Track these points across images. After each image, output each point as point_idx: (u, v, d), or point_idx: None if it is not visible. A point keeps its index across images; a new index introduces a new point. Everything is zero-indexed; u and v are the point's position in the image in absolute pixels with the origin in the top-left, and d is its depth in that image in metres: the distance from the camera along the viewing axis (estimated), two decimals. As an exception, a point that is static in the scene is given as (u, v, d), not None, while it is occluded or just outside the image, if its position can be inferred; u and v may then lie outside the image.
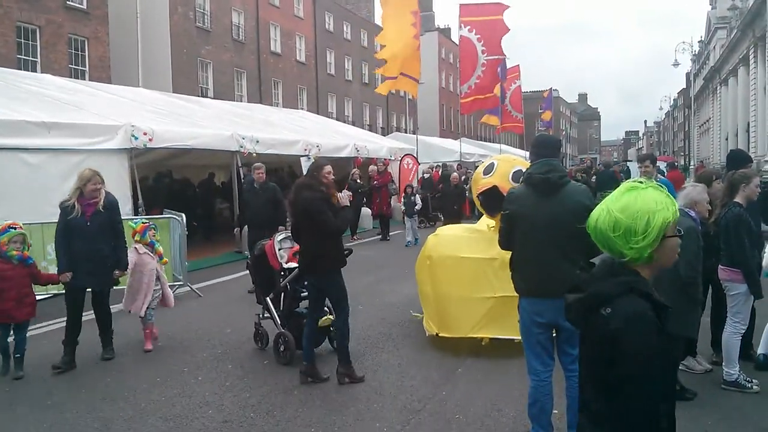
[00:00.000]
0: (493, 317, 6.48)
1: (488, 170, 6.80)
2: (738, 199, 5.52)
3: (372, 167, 18.72)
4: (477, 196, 6.91)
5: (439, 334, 6.75)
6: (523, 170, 5.83)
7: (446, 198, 16.54)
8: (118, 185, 11.24)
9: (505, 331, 6.34)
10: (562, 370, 4.37)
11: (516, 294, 4.45)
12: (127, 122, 11.51)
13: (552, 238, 4.10)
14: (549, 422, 4.28)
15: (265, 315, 6.82)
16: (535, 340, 4.27)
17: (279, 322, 6.57)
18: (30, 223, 9.08)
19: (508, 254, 5.27)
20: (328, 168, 5.94)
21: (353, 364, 5.98)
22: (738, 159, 6.96)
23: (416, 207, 16.26)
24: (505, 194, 5.53)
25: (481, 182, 6.81)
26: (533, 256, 4.19)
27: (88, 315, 6.91)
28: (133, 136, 11.35)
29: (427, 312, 7.24)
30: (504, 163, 6.92)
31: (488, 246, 6.39)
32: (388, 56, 21.47)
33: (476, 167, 8.07)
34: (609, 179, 14.58)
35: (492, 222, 7.01)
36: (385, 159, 20.69)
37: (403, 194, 16.91)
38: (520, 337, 5.19)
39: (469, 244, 6.91)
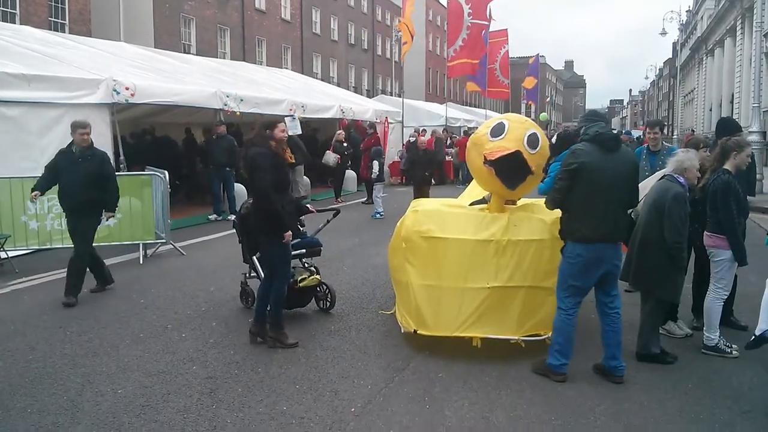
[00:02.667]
0: (487, 312, 5.43)
1: (498, 132, 5.74)
2: (728, 166, 5.53)
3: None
4: (485, 163, 5.66)
5: (418, 332, 5.62)
6: (537, 133, 5.73)
7: (414, 165, 14.51)
8: (99, 141, 10.96)
9: (501, 328, 5.45)
10: (601, 310, 5.09)
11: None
12: (109, 76, 11.26)
13: (616, 190, 4.81)
14: (571, 351, 4.99)
15: (252, 274, 6.76)
16: (579, 284, 4.91)
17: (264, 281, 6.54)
18: (8, 177, 8.96)
19: (507, 236, 5.45)
20: (282, 126, 5.82)
21: (335, 324, 5.99)
22: (728, 127, 6.94)
23: (373, 173, 15.03)
24: (529, 162, 5.49)
25: (489, 145, 5.69)
26: (602, 206, 4.77)
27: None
28: (114, 90, 11.12)
29: (402, 305, 6.02)
30: (516, 124, 5.82)
31: (481, 225, 5.64)
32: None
33: (466, 131, 7.26)
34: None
35: (476, 193, 6.55)
36: (368, 122, 20.50)
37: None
38: (517, 337, 5.38)
39: (458, 223, 5.75)
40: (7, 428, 4.27)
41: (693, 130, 42.93)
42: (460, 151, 20.28)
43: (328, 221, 7.19)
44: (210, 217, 13.65)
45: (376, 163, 14.89)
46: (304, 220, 6.77)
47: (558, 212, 5.63)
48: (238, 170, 13.97)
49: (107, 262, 9.10)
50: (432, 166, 15.08)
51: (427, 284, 5.66)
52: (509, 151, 5.50)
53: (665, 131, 64.37)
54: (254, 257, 6.54)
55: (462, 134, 26.53)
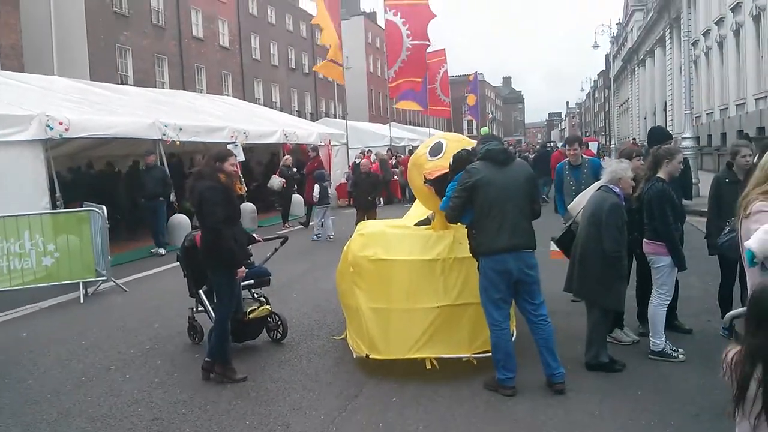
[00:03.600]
0: (438, 332, 5.40)
1: (436, 151, 5.90)
2: (661, 174, 5.66)
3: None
4: (426, 183, 5.87)
5: (370, 356, 5.53)
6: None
7: (358, 188, 14.36)
8: (34, 178, 10.75)
9: (452, 347, 5.44)
10: (528, 319, 5.12)
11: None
12: (42, 112, 10.92)
13: (511, 200, 4.94)
14: (514, 364, 5.02)
15: (199, 308, 6.56)
16: (499, 296, 4.98)
17: (213, 315, 6.36)
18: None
19: (453, 254, 5.48)
20: (233, 159, 5.73)
21: (285, 354, 5.86)
22: (658, 135, 7.14)
23: (314, 197, 14.79)
24: None
25: (428, 165, 5.83)
26: (498, 217, 4.90)
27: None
28: (48, 126, 10.78)
29: (353, 329, 5.95)
30: (454, 143, 5.98)
31: (427, 245, 5.67)
32: (331, 41, 21.81)
33: (411, 150, 7.17)
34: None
35: (420, 212, 6.50)
36: (311, 146, 20.41)
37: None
38: (469, 354, 5.39)
39: (404, 244, 5.76)
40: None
41: (634, 139, 44.08)
42: (405, 170, 20.40)
43: (276, 249, 7.08)
44: (152, 250, 13.12)
45: (317, 187, 14.71)
46: (251, 249, 6.66)
47: None
48: (178, 201, 13.81)
49: (47, 303, 8.86)
50: (376, 190, 14.79)
51: (376, 307, 5.60)
52: (444, 171, 5.57)
53: (606, 140, 66.03)
54: (200, 291, 6.38)
55: (407, 153, 26.70)
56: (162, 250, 12.95)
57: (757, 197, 3.14)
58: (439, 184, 5.65)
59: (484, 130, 37.18)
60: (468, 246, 5.50)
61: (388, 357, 5.47)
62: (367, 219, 12.87)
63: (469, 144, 5.99)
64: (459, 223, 5.35)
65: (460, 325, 5.44)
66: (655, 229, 5.58)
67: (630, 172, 5.57)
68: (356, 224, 13.15)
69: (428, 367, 5.39)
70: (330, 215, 14.97)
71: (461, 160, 5.51)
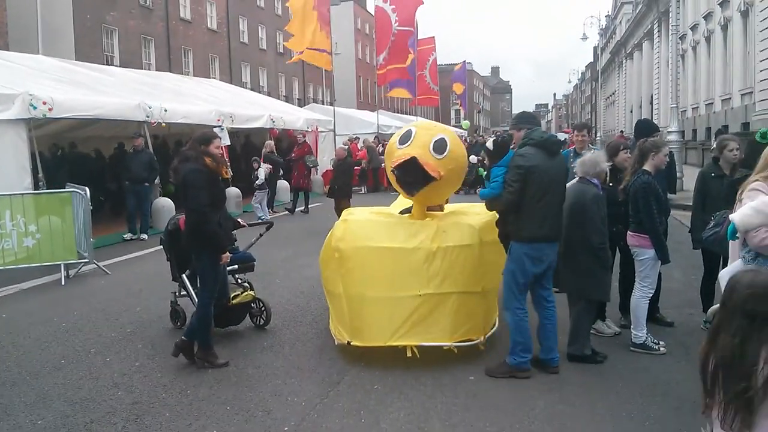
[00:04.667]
0: (419, 320, 5.38)
1: (405, 139, 5.82)
2: (647, 167, 5.67)
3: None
4: (392, 170, 5.87)
5: (352, 343, 5.54)
6: (446, 138, 5.74)
7: (335, 175, 13.89)
8: (16, 158, 10.62)
9: (434, 336, 5.38)
10: (539, 303, 5.32)
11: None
12: (25, 91, 10.78)
13: (556, 192, 5.11)
14: (531, 347, 5.20)
15: (182, 293, 6.51)
16: (525, 281, 5.15)
17: (196, 300, 6.31)
18: None
19: (436, 243, 5.49)
20: (217, 142, 5.66)
21: (268, 340, 5.84)
22: (645, 128, 7.15)
23: (256, 182, 14.75)
24: (425, 168, 5.52)
25: (396, 154, 5.76)
26: (545, 207, 5.03)
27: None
28: (31, 105, 10.65)
29: (335, 316, 5.94)
30: (423, 130, 5.91)
31: (410, 233, 5.61)
32: (295, 30, 21.57)
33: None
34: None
35: (408, 203, 6.46)
36: (299, 132, 20.32)
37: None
38: (450, 343, 5.39)
39: (388, 231, 5.73)
40: None
41: (622, 131, 44.18)
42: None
43: (260, 235, 7.03)
44: (125, 236, 12.79)
45: (261, 169, 14.64)
46: (235, 235, 6.61)
47: (486, 217, 5.69)
48: (162, 184, 13.65)
49: (28, 284, 8.77)
50: (348, 177, 14.11)
51: (358, 295, 5.58)
52: (406, 158, 5.58)
53: (591, 133, 66.34)
54: (183, 275, 6.33)
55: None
56: (144, 236, 12.77)
57: (756, 179, 3.24)
58: (398, 171, 5.70)
59: (465, 123, 37.29)
60: (453, 235, 5.56)
61: (370, 344, 5.46)
62: (342, 208, 12.84)
63: (443, 131, 5.99)
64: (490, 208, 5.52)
65: (442, 314, 5.43)
66: (639, 221, 5.60)
67: (602, 161, 5.59)
68: (336, 212, 13.17)
69: (409, 354, 5.37)
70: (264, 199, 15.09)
71: (503, 144, 5.60)
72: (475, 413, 4.55)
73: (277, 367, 5.57)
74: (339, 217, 12.54)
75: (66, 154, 16.32)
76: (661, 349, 5.66)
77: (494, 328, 5.95)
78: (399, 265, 5.48)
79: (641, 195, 5.56)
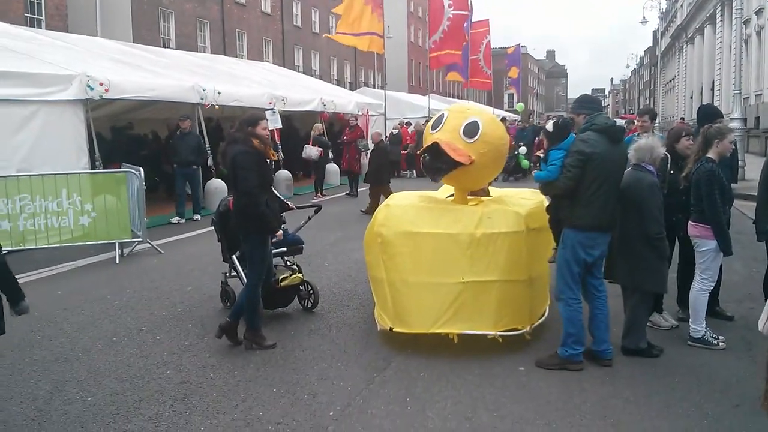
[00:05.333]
0: (462, 308, 5.26)
1: (437, 124, 5.80)
2: (711, 154, 5.42)
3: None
4: (421, 157, 5.86)
5: (394, 330, 5.45)
6: (479, 120, 5.60)
7: (370, 160, 13.94)
8: (74, 138, 10.85)
9: (477, 324, 5.25)
10: (590, 293, 5.15)
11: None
12: (83, 72, 10.99)
13: (616, 181, 4.99)
14: (584, 338, 5.03)
15: (232, 273, 6.54)
16: (578, 271, 4.99)
17: (245, 281, 6.32)
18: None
19: (481, 229, 5.35)
20: (264, 123, 5.62)
21: (315, 323, 5.83)
22: (709, 114, 6.85)
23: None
24: (449, 152, 5.43)
25: (429, 139, 5.76)
26: (604, 196, 4.88)
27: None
28: (88, 86, 10.84)
29: (378, 301, 5.84)
30: (455, 114, 5.84)
31: (454, 219, 5.50)
32: (342, 11, 21.58)
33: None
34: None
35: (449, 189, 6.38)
36: (352, 115, 20.27)
37: None
38: (494, 332, 5.26)
39: (431, 217, 5.61)
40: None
41: (682, 117, 42.88)
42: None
43: (309, 218, 6.99)
44: (172, 219, 12.73)
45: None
46: (284, 217, 6.60)
47: (533, 204, 5.53)
48: (216, 167, 13.72)
49: (83, 261, 8.97)
50: (382, 162, 14.06)
51: (401, 280, 5.50)
52: (429, 144, 5.56)
53: (654, 119, 64.73)
54: (233, 256, 6.35)
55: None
56: (197, 216, 12.84)
57: None
58: (430, 157, 5.62)
59: (520, 106, 36.66)
60: (498, 221, 5.41)
61: (412, 331, 5.37)
62: (376, 194, 12.99)
63: (477, 114, 5.83)
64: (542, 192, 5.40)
65: (486, 302, 5.29)
66: (701, 211, 5.35)
67: (660, 149, 5.35)
68: (370, 198, 13.12)
69: (451, 338, 5.28)
70: None
71: (564, 127, 5.42)
72: (524, 405, 4.43)
73: (323, 350, 5.55)
74: (372, 203, 12.73)
75: (123, 135, 16.62)
76: (721, 344, 5.43)
77: (543, 318, 5.77)
78: (441, 251, 5.38)
79: (704, 183, 5.31)
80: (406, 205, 5.93)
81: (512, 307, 5.38)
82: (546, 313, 5.87)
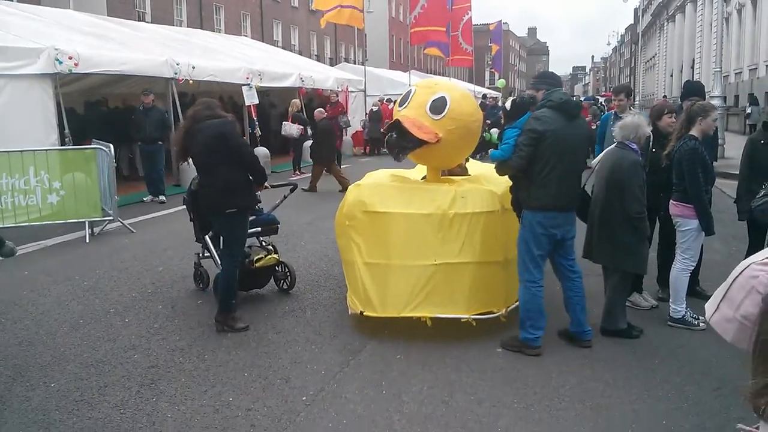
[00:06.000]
0: (434, 291, 5.10)
1: (404, 100, 5.61)
2: (694, 132, 5.30)
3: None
4: (386, 136, 5.59)
5: (364, 313, 5.26)
6: (446, 96, 5.37)
7: (315, 139, 13.82)
8: (42, 113, 10.53)
9: (450, 307, 5.11)
10: (563, 275, 5.02)
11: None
12: (51, 45, 10.65)
13: (574, 158, 4.82)
14: (544, 324, 4.90)
15: (205, 254, 6.35)
16: (541, 253, 4.83)
17: (219, 262, 6.14)
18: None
19: (453, 209, 5.16)
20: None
21: (290, 304, 5.69)
22: (694, 90, 6.75)
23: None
24: (412, 130, 5.21)
25: (397, 116, 5.51)
26: (562, 174, 4.71)
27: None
28: (56, 60, 10.52)
29: (350, 285, 5.60)
30: (422, 90, 5.59)
31: (425, 199, 5.28)
32: None
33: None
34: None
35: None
36: (334, 91, 19.98)
37: None
38: (468, 316, 5.10)
39: (402, 197, 5.38)
40: (-77, 430, 3.91)
41: (665, 96, 42.92)
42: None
43: (285, 197, 6.79)
44: (144, 198, 12.24)
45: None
46: (260, 196, 6.41)
47: (508, 183, 5.40)
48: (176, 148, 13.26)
49: (51, 241, 8.72)
50: (328, 140, 13.95)
51: (371, 262, 5.30)
52: (392, 121, 5.36)
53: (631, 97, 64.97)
54: (206, 236, 6.15)
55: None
56: (162, 197, 12.17)
57: None
58: (393, 135, 5.37)
59: (501, 82, 36.53)
60: (472, 201, 5.23)
61: (383, 315, 5.18)
62: (320, 173, 13.18)
63: (445, 89, 5.56)
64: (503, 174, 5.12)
65: (459, 285, 5.12)
66: (684, 189, 5.25)
67: (645, 127, 5.22)
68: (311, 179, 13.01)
69: (424, 321, 5.10)
70: None
71: (521, 105, 5.24)
72: (501, 389, 4.33)
73: (297, 333, 5.41)
74: (312, 182, 12.73)
75: (96, 110, 16.22)
76: (701, 324, 5.35)
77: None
78: (413, 232, 5.18)
79: (687, 161, 5.20)
80: (377, 185, 5.69)
81: (487, 289, 5.22)
82: None
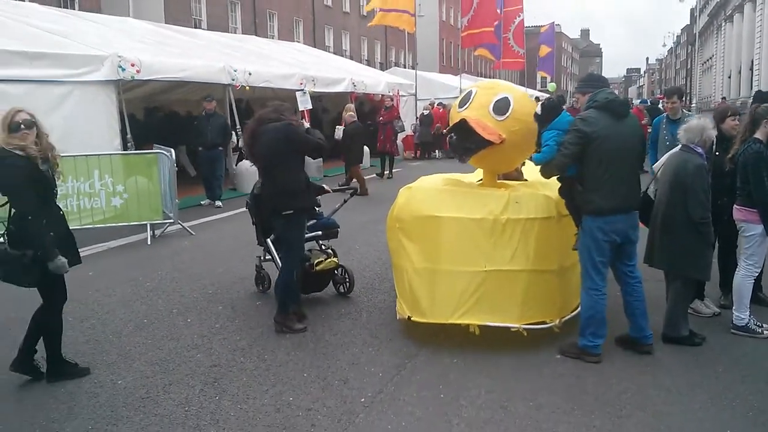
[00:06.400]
0: (484, 298, 4.96)
1: (464, 101, 5.46)
2: (759, 135, 5.17)
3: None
4: (448, 137, 5.52)
5: (412, 319, 5.21)
6: (509, 97, 5.27)
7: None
8: (106, 119, 10.88)
9: (500, 315, 4.96)
10: (623, 280, 4.93)
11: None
12: (114, 52, 11.00)
13: (627, 158, 4.70)
14: (606, 332, 4.82)
15: (267, 257, 6.43)
16: (602, 259, 4.74)
17: (280, 264, 6.21)
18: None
19: (506, 214, 5.05)
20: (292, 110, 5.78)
21: (346, 307, 5.77)
22: (764, 98, 6.57)
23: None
24: (479, 130, 5.11)
25: (455, 117, 5.39)
26: (617, 175, 4.62)
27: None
28: (120, 67, 10.86)
29: (399, 289, 5.55)
30: (484, 90, 5.48)
31: (478, 203, 5.16)
32: None
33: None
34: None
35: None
36: (389, 95, 20.03)
37: None
38: (519, 325, 4.98)
39: (454, 200, 5.25)
40: None
41: (724, 98, 41.74)
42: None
43: (345, 201, 6.84)
44: (202, 202, 12.44)
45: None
46: (320, 200, 6.49)
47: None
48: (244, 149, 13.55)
49: (115, 243, 9.00)
50: (359, 141, 14.30)
51: (420, 267, 5.23)
52: (456, 122, 5.23)
53: (684, 99, 63.43)
54: (268, 240, 6.24)
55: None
56: (219, 203, 12.38)
57: None
58: (457, 136, 5.29)
59: (552, 85, 36.10)
60: (526, 206, 5.12)
61: (431, 320, 5.11)
62: (352, 177, 13.29)
63: (507, 90, 5.47)
64: (553, 177, 5.06)
65: (510, 293, 4.99)
66: (748, 194, 5.13)
67: (711, 130, 5.11)
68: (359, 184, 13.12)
69: (472, 331, 5.00)
70: None
71: (550, 108, 5.15)
72: (560, 395, 4.30)
73: (354, 335, 5.47)
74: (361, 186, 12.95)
75: (156, 116, 16.66)
76: (765, 332, 5.24)
77: (577, 311, 5.36)
78: (464, 236, 5.06)
79: (751, 165, 5.07)
80: (428, 189, 5.60)
81: (540, 298, 5.08)
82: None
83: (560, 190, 5.16)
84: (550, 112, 5.17)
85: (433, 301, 5.11)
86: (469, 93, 5.53)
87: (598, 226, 4.68)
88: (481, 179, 5.96)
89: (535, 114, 5.25)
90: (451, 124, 5.44)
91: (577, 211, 4.92)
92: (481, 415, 4.06)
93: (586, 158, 4.63)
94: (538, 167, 5.18)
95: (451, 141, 5.43)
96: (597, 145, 4.58)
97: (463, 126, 5.19)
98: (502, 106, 5.22)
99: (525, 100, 5.56)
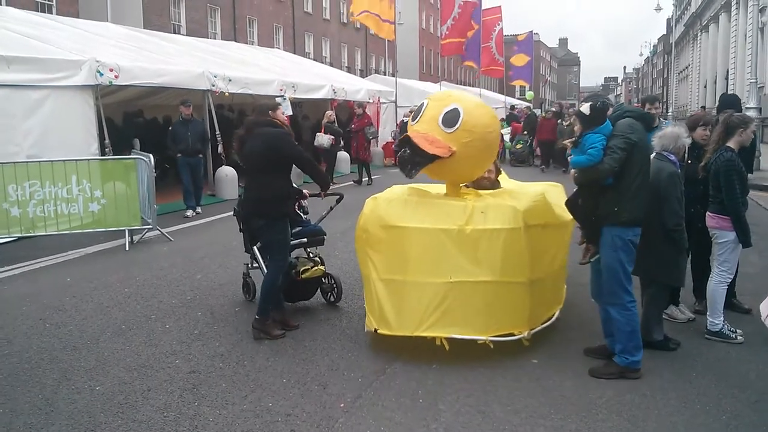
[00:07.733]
0: (450, 309, 4.86)
1: (416, 114, 5.35)
2: (731, 143, 5.29)
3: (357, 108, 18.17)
4: (400, 152, 5.32)
5: (378, 331, 5.11)
6: (459, 108, 5.10)
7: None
8: (84, 124, 10.82)
9: (466, 328, 4.87)
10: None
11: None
12: (92, 57, 10.94)
13: (649, 168, 4.75)
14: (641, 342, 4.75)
15: (254, 265, 6.36)
16: (632, 269, 4.70)
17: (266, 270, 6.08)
18: (-11, 163, 8.67)
19: (472, 224, 4.92)
20: (281, 108, 5.77)
21: (326, 313, 5.78)
22: (729, 102, 6.72)
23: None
24: (422, 146, 4.99)
25: (409, 132, 5.24)
26: (646, 186, 4.67)
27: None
28: (98, 71, 10.82)
29: (367, 300, 5.43)
30: (435, 103, 5.32)
31: (443, 213, 5.04)
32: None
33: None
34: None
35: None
36: (359, 102, 20.11)
37: None
38: (486, 337, 4.90)
39: (418, 211, 5.13)
40: (-24, 430, 4.05)
41: (703, 106, 42.23)
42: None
43: (331, 208, 6.76)
44: (187, 214, 11.78)
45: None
46: (307, 207, 6.48)
47: (536, 199, 5.28)
48: (226, 153, 13.50)
49: (92, 248, 8.93)
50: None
51: (386, 278, 5.14)
52: (402, 137, 5.19)
53: (660, 107, 64.21)
54: (255, 247, 6.16)
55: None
56: (198, 209, 12.06)
57: None
58: (406, 151, 5.13)
59: (530, 94, 36.37)
60: (492, 217, 4.96)
61: (397, 333, 5.01)
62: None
63: (458, 101, 5.24)
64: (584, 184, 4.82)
65: (476, 304, 4.89)
66: (720, 201, 5.23)
67: (685, 138, 5.18)
68: None
69: (439, 344, 4.93)
70: None
71: (601, 111, 4.80)
72: (538, 399, 4.35)
73: (333, 340, 5.49)
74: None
75: (134, 121, 16.58)
76: (739, 338, 5.33)
77: (549, 322, 5.43)
78: (428, 247, 4.95)
79: (724, 173, 5.18)
80: (393, 199, 5.42)
81: (507, 310, 4.98)
82: (556, 316, 5.56)
83: (576, 203, 4.97)
84: (600, 114, 5.00)
85: (400, 313, 5.03)
86: (422, 105, 5.39)
87: (632, 237, 4.62)
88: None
89: (580, 113, 4.93)
90: (399, 139, 5.36)
91: (594, 224, 4.75)
92: (459, 420, 4.09)
93: (627, 166, 4.54)
94: (573, 169, 4.93)
95: (401, 155, 5.25)
96: (639, 153, 4.58)
97: (407, 142, 5.10)
98: (450, 118, 5.09)
99: (479, 110, 5.36)
